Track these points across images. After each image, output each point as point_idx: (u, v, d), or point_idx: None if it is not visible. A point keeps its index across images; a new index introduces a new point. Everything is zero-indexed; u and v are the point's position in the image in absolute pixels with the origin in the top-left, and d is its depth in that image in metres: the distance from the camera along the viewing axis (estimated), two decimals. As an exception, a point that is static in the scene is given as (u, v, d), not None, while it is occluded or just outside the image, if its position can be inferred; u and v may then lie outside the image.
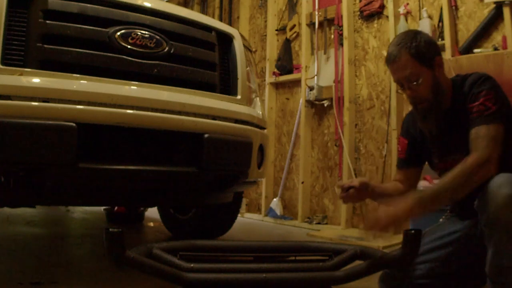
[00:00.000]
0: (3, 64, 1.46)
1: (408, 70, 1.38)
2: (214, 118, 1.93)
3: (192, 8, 5.20)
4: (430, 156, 1.56)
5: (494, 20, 2.73)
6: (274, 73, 4.19)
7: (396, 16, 3.23)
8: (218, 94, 2.04)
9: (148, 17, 1.84)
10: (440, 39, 2.96)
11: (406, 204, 1.29)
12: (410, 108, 3.24)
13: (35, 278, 1.73)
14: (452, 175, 1.28)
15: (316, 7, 3.80)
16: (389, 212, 1.29)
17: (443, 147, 1.50)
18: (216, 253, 1.58)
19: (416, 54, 1.38)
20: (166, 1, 2.54)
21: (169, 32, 1.87)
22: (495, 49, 2.66)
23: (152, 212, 3.53)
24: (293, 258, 1.53)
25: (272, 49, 4.29)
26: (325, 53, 3.78)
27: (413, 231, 1.32)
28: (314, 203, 3.84)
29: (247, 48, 2.35)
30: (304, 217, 3.77)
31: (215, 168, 1.89)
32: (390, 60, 1.42)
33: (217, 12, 5.01)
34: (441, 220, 1.59)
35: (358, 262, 1.40)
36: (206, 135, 1.82)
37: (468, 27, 2.88)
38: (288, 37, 4.15)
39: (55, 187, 1.68)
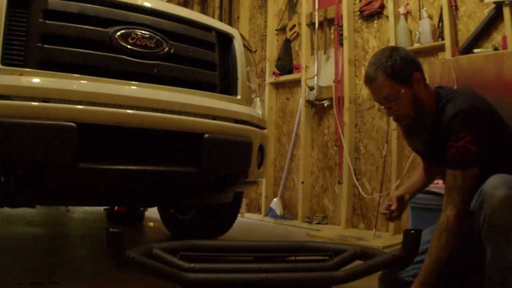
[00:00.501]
0: (3, 64, 1.46)
1: (386, 90, 1.38)
2: (214, 118, 1.93)
3: (192, 8, 5.20)
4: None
5: (494, 20, 2.73)
6: (274, 73, 4.19)
7: (396, 16, 3.23)
8: (218, 94, 2.04)
9: (148, 17, 1.83)
10: (440, 39, 2.96)
11: None
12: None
13: (35, 278, 1.73)
14: (439, 241, 1.32)
15: (316, 7, 3.80)
16: None
17: (432, 159, 1.53)
18: (216, 253, 1.58)
19: (392, 73, 1.36)
20: (166, 1, 2.54)
21: (169, 32, 1.87)
22: (495, 49, 2.66)
23: (152, 212, 3.53)
24: (293, 258, 1.53)
25: (272, 49, 4.29)
26: (325, 53, 3.78)
27: (413, 231, 1.32)
28: (314, 203, 3.84)
29: (247, 48, 2.34)
30: (304, 217, 3.77)
31: (215, 168, 1.89)
32: (368, 82, 1.42)
33: (217, 12, 5.01)
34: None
35: (358, 262, 1.40)
36: (206, 135, 1.82)
37: (468, 27, 2.88)
38: (288, 37, 4.15)
39: (55, 187, 1.68)
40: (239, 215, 2.93)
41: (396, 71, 1.36)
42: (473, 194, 1.29)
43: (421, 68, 1.44)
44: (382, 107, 1.44)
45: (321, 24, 3.80)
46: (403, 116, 1.41)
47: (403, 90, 1.37)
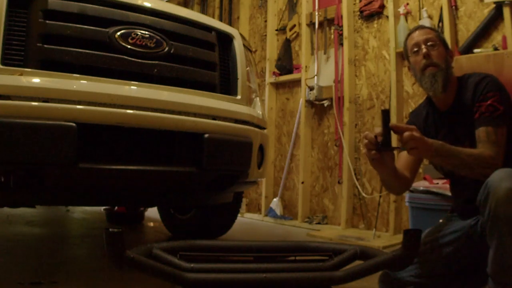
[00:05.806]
0: (3, 64, 1.46)
1: (430, 36, 1.54)
2: (214, 118, 1.93)
3: (192, 8, 5.20)
4: None
5: (494, 20, 2.73)
6: (274, 73, 4.19)
7: (396, 16, 3.23)
8: (218, 94, 2.04)
9: (148, 17, 1.83)
10: (440, 39, 2.96)
11: (432, 141, 1.36)
12: (410, 108, 3.24)
13: (35, 278, 1.73)
14: (470, 152, 1.35)
15: (316, 7, 3.80)
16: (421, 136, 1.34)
17: (444, 139, 1.53)
18: (216, 253, 1.58)
19: (439, 34, 1.56)
20: (166, 1, 2.54)
21: (169, 32, 1.87)
22: (495, 49, 2.66)
23: (152, 212, 3.53)
24: (293, 258, 1.53)
25: (272, 49, 4.29)
26: (325, 53, 3.78)
27: (413, 231, 1.32)
28: (314, 203, 3.84)
29: (247, 48, 2.35)
30: (304, 217, 3.77)
31: (215, 168, 1.89)
32: (417, 28, 1.57)
33: (217, 12, 5.01)
34: (441, 220, 1.59)
35: (358, 262, 1.40)
36: (206, 135, 1.82)
37: (468, 27, 2.88)
38: (288, 37, 4.15)
39: (55, 187, 1.68)
40: (239, 215, 2.93)
41: (441, 36, 1.57)
42: (504, 153, 1.34)
43: None
44: (414, 53, 1.54)
45: (321, 24, 3.80)
46: (434, 63, 1.50)
47: (442, 47, 1.52)
